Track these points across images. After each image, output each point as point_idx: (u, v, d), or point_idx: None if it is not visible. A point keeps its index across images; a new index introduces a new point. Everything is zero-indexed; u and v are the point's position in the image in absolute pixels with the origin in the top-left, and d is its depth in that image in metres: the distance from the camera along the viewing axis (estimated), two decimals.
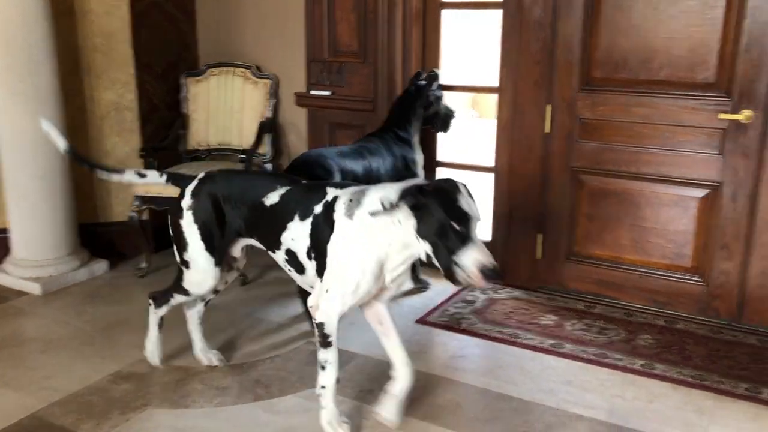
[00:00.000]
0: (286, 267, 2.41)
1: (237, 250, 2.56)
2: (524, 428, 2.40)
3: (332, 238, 2.17)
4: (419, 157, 3.34)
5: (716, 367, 2.80)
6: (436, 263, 2.05)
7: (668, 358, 2.88)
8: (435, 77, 3.35)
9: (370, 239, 2.12)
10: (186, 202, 2.45)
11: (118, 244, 3.97)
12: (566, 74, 3.29)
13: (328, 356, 2.25)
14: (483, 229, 3.44)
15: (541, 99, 3.35)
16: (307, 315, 2.81)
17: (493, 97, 3.60)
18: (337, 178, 2.86)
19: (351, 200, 2.17)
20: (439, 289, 3.56)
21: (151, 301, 2.68)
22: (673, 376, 2.73)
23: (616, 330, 3.13)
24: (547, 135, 3.39)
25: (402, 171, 3.19)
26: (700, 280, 3.22)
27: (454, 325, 3.19)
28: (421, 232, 2.04)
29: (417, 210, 2.02)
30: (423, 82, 3.33)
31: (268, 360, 2.87)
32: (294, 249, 2.31)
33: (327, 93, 3.79)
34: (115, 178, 2.64)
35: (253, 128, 3.94)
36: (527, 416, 2.47)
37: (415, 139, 3.33)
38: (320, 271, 2.23)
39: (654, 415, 2.48)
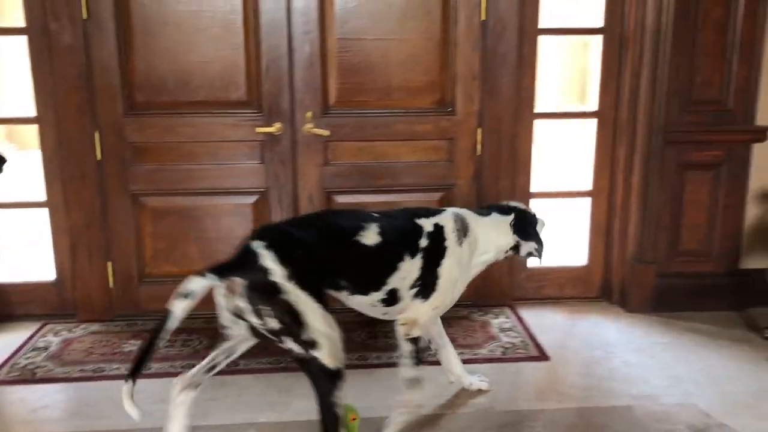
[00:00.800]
0: (374, 305, 2.41)
1: None
2: None
3: (444, 263, 2.42)
4: None
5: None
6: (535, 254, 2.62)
7: (249, 352, 3.14)
8: None
9: (474, 259, 2.54)
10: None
11: None
12: (109, 99, 3.29)
13: (420, 373, 2.42)
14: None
15: (87, 125, 3.28)
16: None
17: (33, 128, 3.38)
18: None
19: (458, 229, 2.47)
20: (4, 343, 3.22)
21: None
22: (256, 366, 3.01)
23: (199, 339, 3.28)
24: (99, 161, 3.33)
25: None
26: None
27: (28, 377, 2.93)
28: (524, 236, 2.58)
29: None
30: None
31: None
32: (400, 287, 2.38)
33: None
34: None
35: None
36: None
37: None
38: (424, 293, 2.40)
39: (244, 406, 2.71)
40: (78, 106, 3.27)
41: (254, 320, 2.16)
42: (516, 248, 2.62)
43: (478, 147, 3.50)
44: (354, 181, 3.49)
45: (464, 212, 2.58)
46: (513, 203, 2.71)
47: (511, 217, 2.61)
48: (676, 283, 3.61)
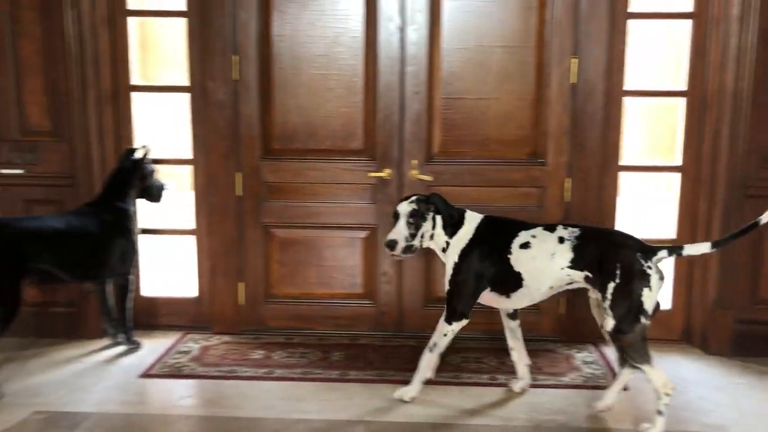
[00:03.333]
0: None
1: None
2: None
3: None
4: (136, 226, 3.69)
5: (390, 365, 3.64)
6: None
7: (357, 366, 3.63)
8: (148, 153, 3.71)
9: None
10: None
11: None
12: (250, 146, 3.94)
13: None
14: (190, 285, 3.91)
15: (231, 167, 3.94)
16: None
17: (185, 169, 4.08)
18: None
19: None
20: (152, 347, 3.85)
21: None
22: (362, 377, 3.48)
23: (314, 352, 3.79)
24: (240, 197, 3.97)
25: (115, 237, 3.51)
26: (370, 302, 4.07)
27: (176, 373, 3.53)
28: None
29: None
30: (139, 158, 3.67)
31: None
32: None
33: (20, 171, 3.85)
34: None
35: None
36: (256, 429, 2.96)
37: (133, 210, 3.67)
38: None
39: (354, 407, 3.17)
40: (225, 151, 3.93)
41: None
42: None
43: (567, 195, 3.88)
44: None
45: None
46: None
47: None
48: (756, 329, 3.81)
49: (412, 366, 3.32)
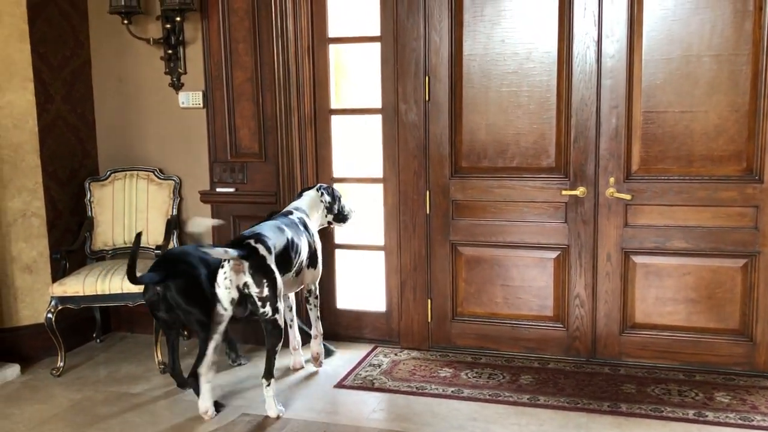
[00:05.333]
0: None
1: None
2: None
3: None
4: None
5: (584, 393, 3.47)
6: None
7: (547, 391, 3.52)
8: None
9: None
10: None
11: (24, 347, 4.02)
12: (439, 165, 3.98)
13: None
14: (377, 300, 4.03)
15: (421, 186, 4.01)
16: None
17: (377, 186, 4.23)
18: (202, 271, 3.41)
19: None
20: (347, 358, 4.01)
21: None
22: (553, 403, 3.36)
23: (502, 374, 3.73)
24: (428, 215, 4.03)
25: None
26: (561, 326, 3.93)
27: (368, 385, 3.64)
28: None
29: None
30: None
31: None
32: None
33: (231, 189, 4.21)
34: None
35: (158, 226, 4.25)
36: None
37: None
38: None
39: None
40: (415, 170, 4.01)
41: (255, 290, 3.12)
42: None
43: None
44: (652, 242, 3.71)
45: None
46: None
47: None
48: None
49: (607, 395, 3.14)
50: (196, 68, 4.24)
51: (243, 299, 3.16)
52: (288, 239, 3.38)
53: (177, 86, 4.29)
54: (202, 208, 4.30)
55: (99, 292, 3.77)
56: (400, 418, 3.28)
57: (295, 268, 3.46)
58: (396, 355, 4.06)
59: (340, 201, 3.89)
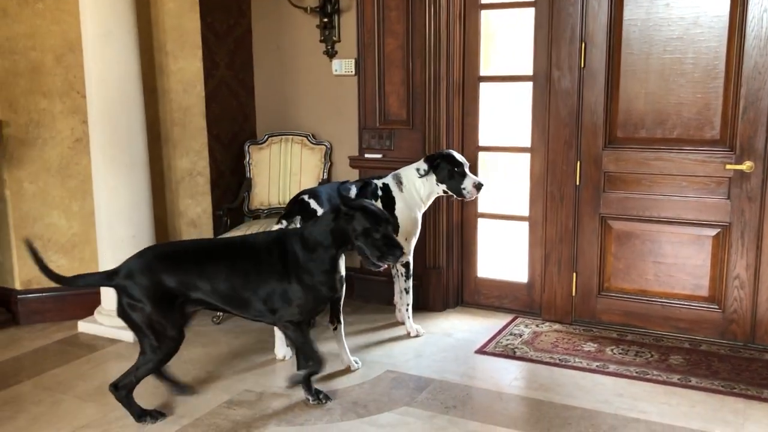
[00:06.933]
0: None
1: None
2: (592, 430, 2.85)
3: None
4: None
5: (741, 378, 3.29)
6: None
7: (699, 372, 3.36)
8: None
9: None
10: None
11: None
12: (592, 135, 3.86)
13: None
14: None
15: (571, 156, 3.91)
16: None
17: (524, 156, 4.17)
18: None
19: None
20: (486, 326, 4.03)
21: None
22: (707, 386, 3.22)
23: (650, 353, 3.61)
24: (577, 186, 3.93)
25: None
26: (716, 307, 3.73)
27: (509, 353, 3.64)
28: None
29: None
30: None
31: (358, 386, 3.29)
32: None
33: (378, 156, 4.32)
34: None
35: None
36: (592, 421, 2.92)
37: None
38: None
39: (698, 416, 2.95)
40: (566, 139, 3.92)
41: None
42: None
43: None
44: None
45: None
46: None
47: None
48: None
49: (765, 382, 2.96)
50: (349, 36, 4.36)
51: None
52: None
53: (331, 54, 4.43)
54: (350, 173, 4.45)
55: None
56: (543, 387, 3.26)
57: None
58: (537, 326, 4.03)
59: (447, 171, 3.70)
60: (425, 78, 4.12)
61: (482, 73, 4.20)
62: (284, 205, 4.45)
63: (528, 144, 4.12)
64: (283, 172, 4.55)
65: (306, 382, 3.08)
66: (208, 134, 4.37)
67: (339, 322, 3.43)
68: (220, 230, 4.29)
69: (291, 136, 4.57)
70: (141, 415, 2.93)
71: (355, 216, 2.85)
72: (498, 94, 4.35)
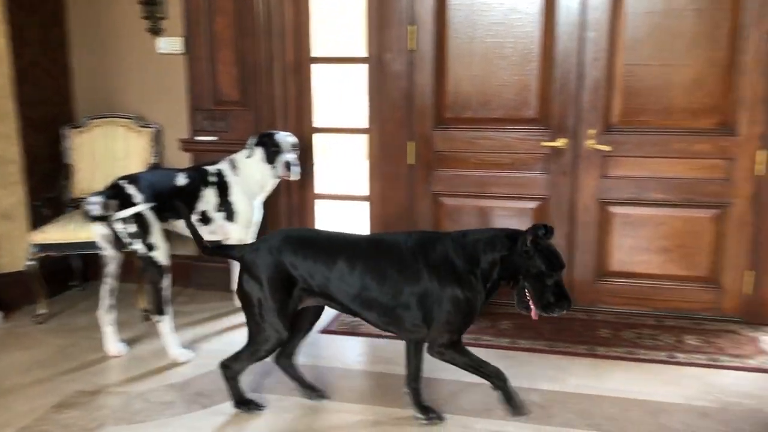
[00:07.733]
0: None
1: None
2: (435, 396, 2.99)
3: None
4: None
5: (561, 337, 3.61)
6: None
7: (525, 335, 3.64)
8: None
9: None
10: None
11: (3, 295, 3.99)
12: (423, 116, 4.01)
13: None
14: None
15: (405, 136, 4.04)
16: None
17: (363, 137, 4.24)
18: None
19: None
20: None
21: None
22: (532, 347, 3.49)
23: (483, 321, 3.84)
24: (412, 166, 4.07)
25: None
26: None
27: (353, 331, 3.71)
28: None
29: None
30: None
31: (201, 377, 3.19)
32: None
33: (213, 138, 4.18)
34: None
35: None
36: (434, 387, 3.06)
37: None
38: None
39: (526, 375, 3.19)
40: (399, 120, 4.04)
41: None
42: None
43: (759, 168, 3.62)
44: (628, 194, 3.82)
45: None
46: None
47: None
48: None
49: (581, 339, 3.26)
50: (176, 13, 4.16)
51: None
52: None
53: (156, 31, 4.20)
54: (183, 157, 4.27)
55: (83, 240, 3.73)
56: (385, 360, 3.37)
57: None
58: None
59: (268, 150, 3.69)
60: (257, 58, 4.04)
61: (315, 54, 4.20)
62: None
63: (366, 125, 4.19)
64: (107, 157, 4.26)
65: (507, 394, 2.74)
66: (21, 118, 3.98)
67: (163, 313, 3.30)
68: (39, 222, 3.95)
69: (115, 119, 4.29)
70: (240, 402, 2.86)
71: (535, 256, 2.55)
72: (336, 76, 4.39)
